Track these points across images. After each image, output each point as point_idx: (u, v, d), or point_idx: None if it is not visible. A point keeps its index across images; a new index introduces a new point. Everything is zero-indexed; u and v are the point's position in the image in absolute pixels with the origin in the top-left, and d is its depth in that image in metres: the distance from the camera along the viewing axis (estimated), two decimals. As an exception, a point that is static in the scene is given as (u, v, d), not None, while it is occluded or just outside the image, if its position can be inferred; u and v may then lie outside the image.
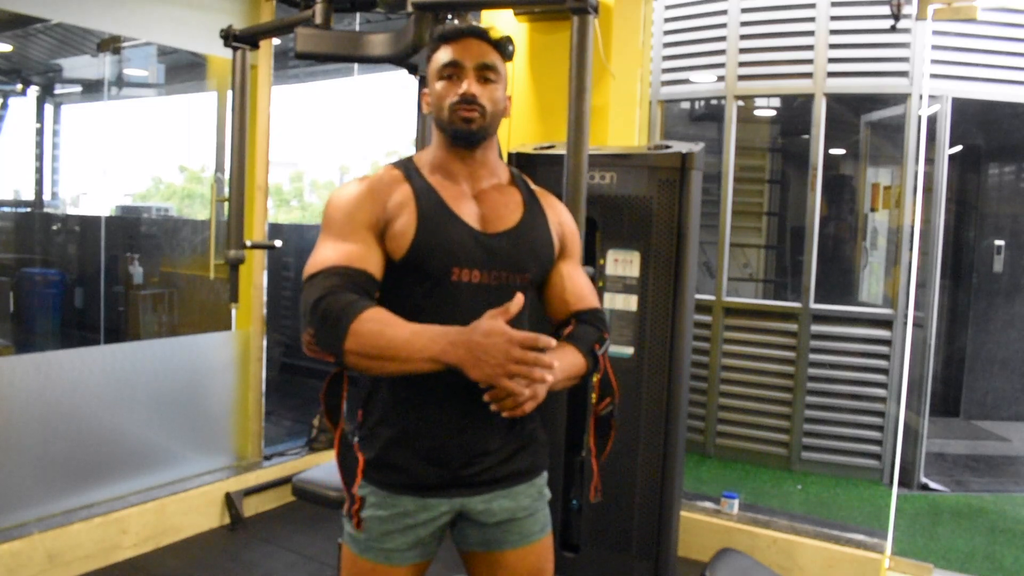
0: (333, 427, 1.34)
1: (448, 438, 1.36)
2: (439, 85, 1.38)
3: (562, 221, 1.50)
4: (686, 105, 5.38)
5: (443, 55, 1.39)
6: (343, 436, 1.36)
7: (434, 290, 1.34)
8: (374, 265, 1.31)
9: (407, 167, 1.41)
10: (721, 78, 4.65)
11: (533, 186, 1.51)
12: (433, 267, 1.33)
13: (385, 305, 1.37)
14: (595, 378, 1.43)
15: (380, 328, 1.20)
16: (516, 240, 1.40)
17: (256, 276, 3.73)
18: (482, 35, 1.40)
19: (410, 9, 2.38)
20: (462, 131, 1.36)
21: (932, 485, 4.26)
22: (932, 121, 4.23)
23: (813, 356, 4.40)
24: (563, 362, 1.32)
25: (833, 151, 5.08)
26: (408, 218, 1.33)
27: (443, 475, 1.37)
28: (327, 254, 1.30)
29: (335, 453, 1.38)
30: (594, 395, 1.46)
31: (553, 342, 1.20)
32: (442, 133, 1.40)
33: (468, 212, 1.38)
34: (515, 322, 1.37)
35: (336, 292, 1.24)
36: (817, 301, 4.43)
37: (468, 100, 1.34)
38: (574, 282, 1.47)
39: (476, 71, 1.37)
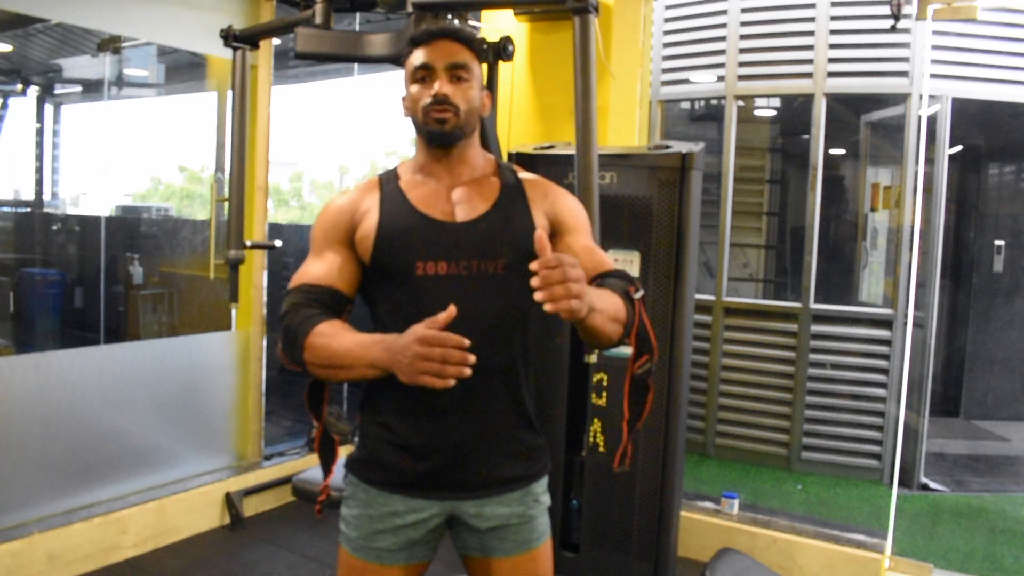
0: (317, 421, 1.42)
1: (437, 440, 1.36)
2: (413, 88, 1.40)
3: (553, 200, 1.44)
4: (686, 105, 5.38)
5: (415, 58, 1.39)
6: (324, 429, 1.44)
7: (403, 287, 1.36)
8: (343, 279, 1.38)
9: (386, 174, 1.46)
10: (721, 78, 4.65)
11: (524, 174, 1.48)
12: (397, 264, 1.35)
13: (368, 307, 1.44)
14: (629, 337, 1.35)
15: (326, 341, 1.28)
16: (485, 226, 1.38)
17: (256, 276, 3.74)
18: (453, 34, 1.40)
19: (410, 9, 2.38)
20: (436, 132, 1.37)
21: (932, 485, 4.26)
22: (932, 121, 4.23)
23: (813, 356, 4.40)
24: (602, 301, 1.26)
25: (833, 151, 5.08)
26: (371, 222, 1.38)
27: (431, 476, 1.37)
28: (304, 270, 1.40)
29: (316, 445, 1.45)
30: (631, 351, 1.37)
31: (467, 342, 1.17)
32: (420, 135, 1.42)
33: (437, 207, 1.39)
34: (505, 314, 1.37)
35: (296, 309, 1.33)
36: (817, 301, 4.43)
37: (440, 100, 1.35)
38: (587, 251, 1.41)
39: (447, 71, 1.37)
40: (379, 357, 1.23)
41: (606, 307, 1.26)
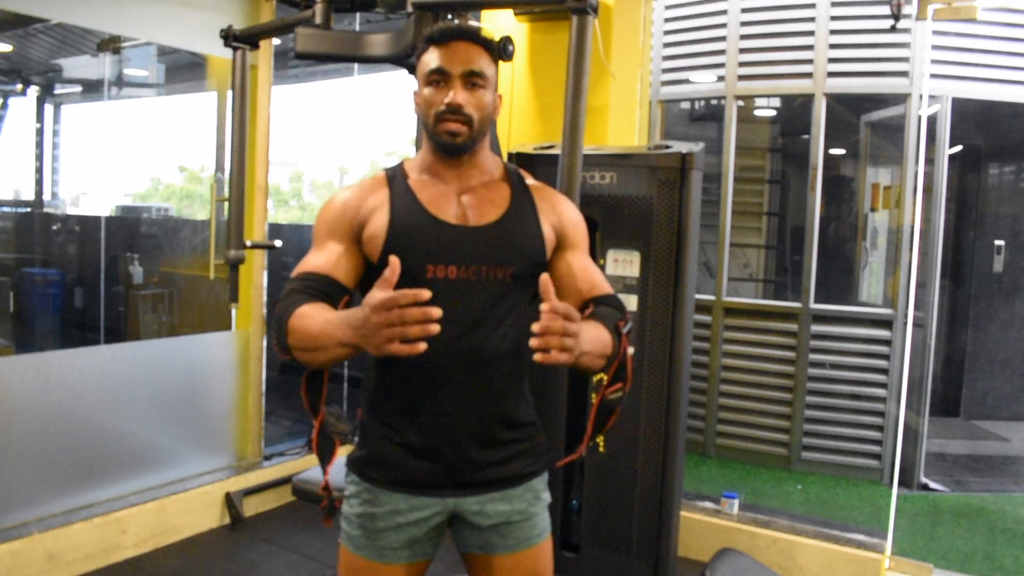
0: (314, 416, 1.39)
1: (439, 439, 1.36)
2: (426, 91, 1.38)
3: (560, 212, 1.45)
4: (686, 105, 5.38)
5: (431, 59, 1.37)
6: (322, 425, 1.41)
7: (411, 288, 1.33)
8: (342, 270, 1.36)
9: (394, 171, 1.44)
10: (721, 78, 4.65)
11: (530, 181, 1.48)
12: (407, 265, 1.31)
13: None
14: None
15: (304, 322, 1.24)
16: (497, 233, 1.38)
17: (256, 276, 3.73)
18: (471, 37, 1.38)
19: (410, 9, 2.38)
20: (447, 144, 1.36)
21: (932, 485, 4.26)
22: (932, 121, 4.23)
23: (813, 356, 4.40)
24: (592, 340, 1.25)
25: (833, 151, 5.08)
26: (381, 220, 1.36)
27: (434, 473, 1.37)
28: (304, 261, 1.39)
29: (313, 442, 1.42)
30: (606, 378, 1.38)
31: (427, 294, 1.09)
32: (429, 140, 1.40)
33: (447, 210, 1.38)
34: (510, 319, 1.36)
35: (287, 296, 1.31)
36: (817, 301, 4.43)
37: (454, 110, 1.34)
38: (584, 271, 1.43)
39: (463, 78, 1.35)
40: (346, 335, 1.17)
41: (595, 347, 1.27)
